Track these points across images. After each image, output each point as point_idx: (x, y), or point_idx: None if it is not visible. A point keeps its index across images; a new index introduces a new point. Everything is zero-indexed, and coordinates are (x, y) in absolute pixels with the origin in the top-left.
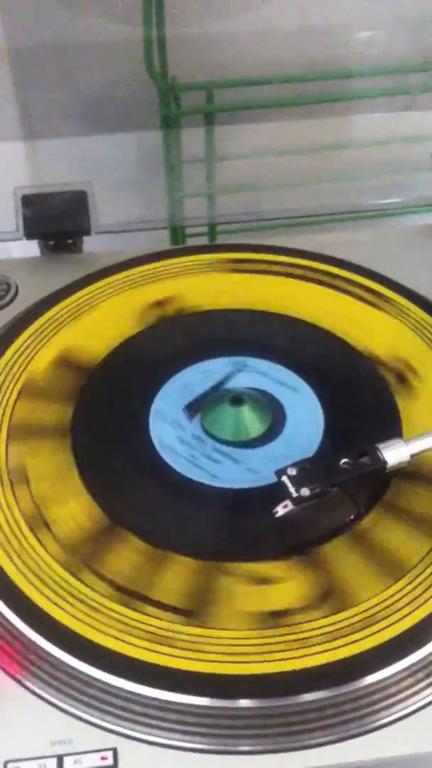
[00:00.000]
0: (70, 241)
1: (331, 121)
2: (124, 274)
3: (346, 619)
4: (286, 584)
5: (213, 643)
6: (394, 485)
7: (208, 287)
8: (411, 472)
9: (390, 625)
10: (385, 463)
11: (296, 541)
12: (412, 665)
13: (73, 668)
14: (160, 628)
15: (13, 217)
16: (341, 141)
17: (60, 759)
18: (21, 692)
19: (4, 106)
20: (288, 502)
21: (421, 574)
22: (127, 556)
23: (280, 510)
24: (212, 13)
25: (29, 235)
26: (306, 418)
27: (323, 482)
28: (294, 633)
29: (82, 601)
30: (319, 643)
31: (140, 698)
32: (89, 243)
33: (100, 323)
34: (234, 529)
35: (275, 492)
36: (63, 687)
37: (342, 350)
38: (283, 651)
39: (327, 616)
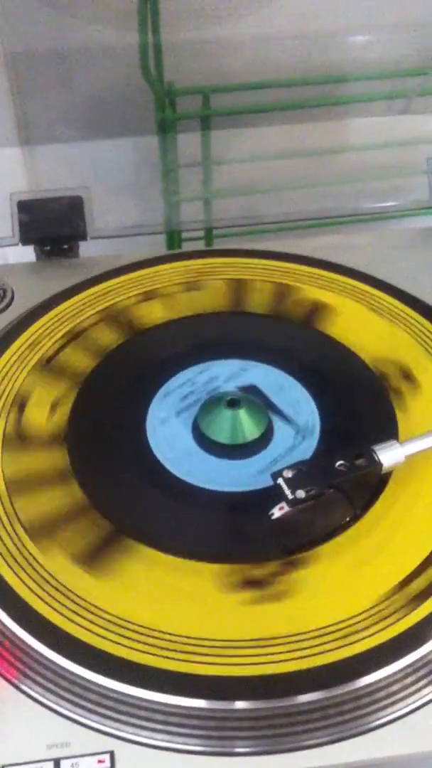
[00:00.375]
0: (66, 246)
1: (328, 124)
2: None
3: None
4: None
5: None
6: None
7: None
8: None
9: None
10: (381, 464)
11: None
12: (409, 666)
13: (69, 671)
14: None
15: (9, 223)
16: (338, 144)
17: (57, 762)
18: (17, 696)
19: (0, 111)
20: (284, 504)
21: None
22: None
23: (277, 512)
24: (208, 18)
25: (25, 240)
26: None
27: (319, 484)
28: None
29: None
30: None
31: (137, 701)
32: (85, 248)
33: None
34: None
35: (271, 494)
36: (60, 690)
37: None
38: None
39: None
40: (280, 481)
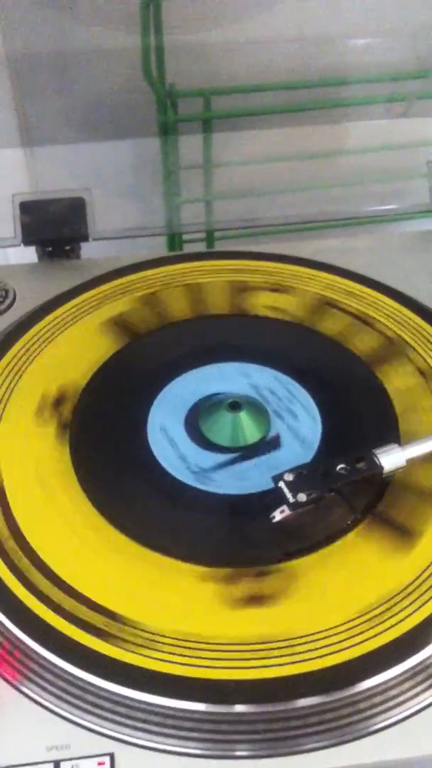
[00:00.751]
0: (68, 248)
1: (328, 127)
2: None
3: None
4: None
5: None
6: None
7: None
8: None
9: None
10: (382, 468)
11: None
12: (408, 670)
13: (69, 674)
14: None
15: (11, 224)
16: (338, 148)
17: (57, 764)
18: (17, 697)
19: (2, 113)
20: (285, 507)
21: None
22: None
23: (278, 515)
24: (210, 21)
25: (27, 241)
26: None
27: (320, 488)
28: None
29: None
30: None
31: (137, 704)
32: (87, 249)
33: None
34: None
35: (272, 497)
36: (60, 692)
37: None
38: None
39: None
40: (281, 484)
